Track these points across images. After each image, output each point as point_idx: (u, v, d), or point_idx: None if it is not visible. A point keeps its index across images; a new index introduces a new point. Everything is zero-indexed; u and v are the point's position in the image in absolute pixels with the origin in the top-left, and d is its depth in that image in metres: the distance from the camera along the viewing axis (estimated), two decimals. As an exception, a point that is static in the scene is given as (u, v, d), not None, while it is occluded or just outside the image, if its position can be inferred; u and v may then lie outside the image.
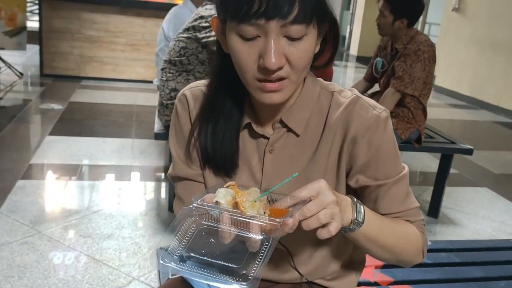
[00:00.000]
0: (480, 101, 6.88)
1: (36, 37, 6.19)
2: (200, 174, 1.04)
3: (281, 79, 0.83)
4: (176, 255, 0.82)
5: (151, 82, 6.25)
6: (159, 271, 1.37)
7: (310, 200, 0.79)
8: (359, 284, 1.41)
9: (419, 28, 9.32)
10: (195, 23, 2.44)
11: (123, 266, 2.28)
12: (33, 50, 6.95)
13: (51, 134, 4.00)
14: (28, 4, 6.81)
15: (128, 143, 3.99)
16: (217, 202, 0.80)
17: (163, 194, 3.13)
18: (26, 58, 7.02)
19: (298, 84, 0.90)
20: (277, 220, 0.76)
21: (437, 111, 6.37)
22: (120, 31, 6.17)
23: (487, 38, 6.88)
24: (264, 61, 0.80)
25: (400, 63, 2.78)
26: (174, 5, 5.93)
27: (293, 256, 1.00)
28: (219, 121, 0.97)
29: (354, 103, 0.93)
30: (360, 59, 10.56)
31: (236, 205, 0.79)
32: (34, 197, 2.91)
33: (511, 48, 6.42)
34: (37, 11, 7.50)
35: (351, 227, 0.87)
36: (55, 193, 2.98)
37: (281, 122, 0.96)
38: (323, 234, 0.80)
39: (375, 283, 1.44)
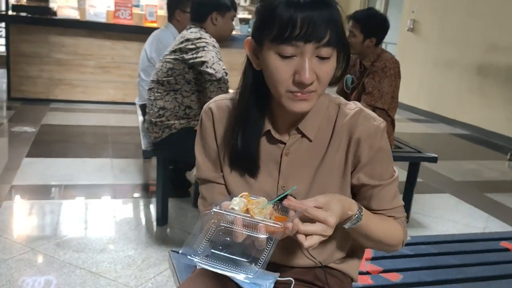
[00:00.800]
0: (438, 115, 7.30)
1: (3, 61, 6.18)
2: (221, 177, 1.20)
3: (309, 92, 1.00)
4: (199, 251, 0.97)
5: (121, 103, 6.35)
6: (175, 269, 1.50)
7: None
8: (354, 273, 1.59)
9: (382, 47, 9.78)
10: (182, 46, 2.60)
11: (120, 277, 2.37)
12: (-2, 74, 6.91)
13: (28, 156, 4.03)
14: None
15: (107, 163, 4.06)
16: (232, 209, 0.97)
17: (150, 209, 3.23)
18: (-10, 82, 6.95)
19: (320, 96, 1.06)
20: (279, 223, 0.94)
21: (399, 126, 6.65)
22: (89, 54, 6.23)
23: (440, 57, 7.34)
24: (301, 77, 0.97)
25: (369, 80, 3.02)
26: (143, 28, 6.13)
27: None
28: (246, 129, 1.12)
29: (358, 114, 1.11)
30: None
31: (247, 211, 0.97)
32: (22, 217, 2.95)
33: (462, 66, 6.89)
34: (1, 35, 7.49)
35: (348, 225, 1.05)
36: (42, 212, 3.03)
37: (297, 129, 1.13)
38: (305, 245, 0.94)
39: (367, 272, 1.62)
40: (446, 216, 3.57)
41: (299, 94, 1.00)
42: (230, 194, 1.14)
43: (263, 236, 0.94)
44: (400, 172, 1.27)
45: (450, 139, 6.40)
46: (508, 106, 6.15)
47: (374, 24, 3.00)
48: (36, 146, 4.31)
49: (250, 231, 0.95)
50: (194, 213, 3.22)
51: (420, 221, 3.42)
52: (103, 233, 2.82)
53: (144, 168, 4.06)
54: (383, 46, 10.60)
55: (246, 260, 0.96)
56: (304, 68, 0.96)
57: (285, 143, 1.14)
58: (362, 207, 1.06)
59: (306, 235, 0.93)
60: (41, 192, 3.36)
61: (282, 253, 1.18)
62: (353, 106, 1.14)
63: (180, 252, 0.97)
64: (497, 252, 1.87)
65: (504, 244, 1.94)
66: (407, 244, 1.86)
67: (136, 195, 3.51)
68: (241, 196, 1.00)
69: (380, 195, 1.13)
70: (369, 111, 1.13)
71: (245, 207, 0.98)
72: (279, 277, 1.15)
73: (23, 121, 5.11)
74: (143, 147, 2.87)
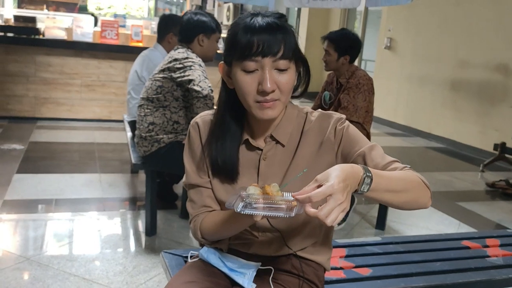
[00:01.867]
0: (414, 129, 7.59)
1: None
2: (208, 182, 1.37)
3: (274, 100, 1.20)
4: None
5: (107, 121, 6.50)
6: (168, 268, 1.66)
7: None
8: (328, 269, 1.77)
9: (356, 64, 10.11)
10: (170, 65, 2.79)
11: (112, 283, 2.51)
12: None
13: (18, 172, 4.14)
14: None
15: (96, 178, 4.19)
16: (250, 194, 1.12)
17: (138, 221, 3.37)
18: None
19: (285, 105, 1.28)
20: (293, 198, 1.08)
21: (377, 140, 6.97)
22: (75, 72, 6.37)
23: (415, 73, 7.67)
24: (263, 86, 1.18)
25: (345, 96, 3.24)
26: (128, 47, 6.32)
27: (284, 237, 1.34)
28: (226, 139, 1.31)
29: (320, 117, 1.34)
30: (305, 94, 11.22)
31: (265, 194, 1.12)
32: (16, 229, 3.08)
33: (435, 82, 7.21)
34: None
35: (358, 192, 1.07)
36: (34, 225, 3.15)
37: (271, 136, 1.32)
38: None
39: (341, 268, 1.80)
40: (420, 223, 3.79)
41: (265, 103, 1.20)
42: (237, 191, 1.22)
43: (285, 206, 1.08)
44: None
45: (425, 152, 6.67)
46: (479, 120, 6.46)
47: (347, 43, 3.25)
48: (26, 163, 4.43)
49: (273, 207, 1.08)
50: (181, 223, 3.38)
51: (396, 228, 3.63)
52: (94, 244, 2.96)
53: (132, 182, 4.20)
54: (363, 63, 10.98)
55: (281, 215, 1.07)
56: (265, 78, 1.17)
57: (262, 149, 1.33)
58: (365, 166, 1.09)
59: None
60: (32, 206, 3.49)
61: (263, 246, 1.36)
62: (316, 113, 1.36)
63: (226, 206, 1.07)
64: (458, 250, 2.07)
65: (465, 243, 2.15)
66: (377, 244, 2.06)
67: (124, 208, 3.65)
68: (252, 185, 1.15)
69: (370, 157, 1.22)
70: (330, 111, 1.35)
71: (261, 193, 1.12)
72: (260, 266, 1.33)
73: (11, 139, 5.22)
74: (133, 160, 3.03)
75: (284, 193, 1.13)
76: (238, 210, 1.06)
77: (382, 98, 8.34)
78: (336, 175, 1.00)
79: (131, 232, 3.20)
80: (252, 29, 1.17)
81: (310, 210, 0.99)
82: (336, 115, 1.33)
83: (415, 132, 7.54)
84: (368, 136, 3.36)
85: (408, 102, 7.81)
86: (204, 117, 1.38)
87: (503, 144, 5.65)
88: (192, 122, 1.39)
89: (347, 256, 1.90)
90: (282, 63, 1.19)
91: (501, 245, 2.14)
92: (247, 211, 1.07)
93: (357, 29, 10.29)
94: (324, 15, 10.64)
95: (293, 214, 1.04)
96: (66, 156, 4.83)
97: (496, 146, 5.72)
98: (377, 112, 8.40)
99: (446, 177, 5.29)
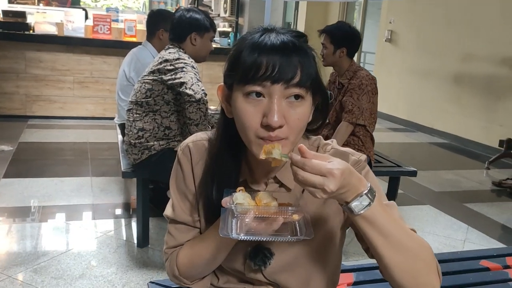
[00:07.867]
0: (416, 124, 7.41)
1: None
2: (197, 221, 1.15)
3: (279, 138, 0.94)
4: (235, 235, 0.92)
5: (101, 118, 6.30)
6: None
7: None
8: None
9: (356, 56, 9.92)
10: (160, 66, 2.59)
11: (100, 304, 2.34)
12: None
13: (5, 177, 3.95)
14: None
15: (87, 182, 4.00)
16: (238, 203, 0.93)
17: (130, 230, 3.19)
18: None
19: (294, 145, 0.96)
20: (291, 208, 0.95)
21: (379, 135, 6.74)
22: (67, 69, 6.17)
23: (417, 67, 7.47)
24: (268, 119, 0.91)
25: (348, 98, 3.04)
26: (122, 42, 6.10)
27: None
28: (222, 180, 1.07)
29: (334, 155, 1.06)
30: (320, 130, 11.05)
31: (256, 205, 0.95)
32: (-1, 242, 2.89)
33: (437, 75, 7.01)
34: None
35: (357, 204, 0.89)
36: (19, 236, 2.97)
37: (275, 178, 1.08)
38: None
39: (349, 297, 1.63)
40: (427, 228, 3.61)
41: (269, 141, 0.94)
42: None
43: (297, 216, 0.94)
44: (381, 185, 1.16)
45: (428, 148, 6.49)
46: (483, 115, 6.27)
47: (343, 34, 3.06)
48: (14, 166, 4.23)
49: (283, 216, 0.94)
50: (176, 232, 3.19)
51: (401, 234, 3.45)
52: (81, 257, 2.77)
53: (125, 186, 4.01)
54: (362, 55, 10.74)
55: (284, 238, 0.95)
56: (272, 109, 0.92)
57: None
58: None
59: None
60: (18, 214, 3.30)
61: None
62: (329, 147, 1.11)
63: (220, 234, 0.91)
64: (477, 272, 1.89)
65: (484, 263, 1.96)
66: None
67: (116, 214, 3.46)
68: (239, 191, 0.97)
69: None
70: (344, 148, 1.11)
71: (253, 201, 0.95)
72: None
73: (-1, 139, 5.02)
74: (122, 168, 2.84)
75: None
76: (237, 238, 0.91)
77: (383, 92, 8.11)
78: (343, 169, 0.86)
79: (122, 243, 3.01)
80: (261, 47, 0.93)
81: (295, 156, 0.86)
82: (355, 155, 1.08)
83: (418, 127, 7.36)
84: (372, 139, 3.18)
85: (410, 96, 7.61)
86: (196, 142, 1.14)
87: (509, 140, 5.46)
88: (182, 145, 1.16)
89: (355, 284, 1.72)
90: (296, 93, 0.93)
91: (523, 265, 1.96)
92: (248, 237, 0.91)
93: (356, 21, 10.08)
94: (322, 8, 10.41)
95: (301, 238, 0.91)
96: (57, 158, 4.64)
97: (501, 143, 5.54)
98: (378, 106, 8.22)
99: (452, 176, 5.11)
